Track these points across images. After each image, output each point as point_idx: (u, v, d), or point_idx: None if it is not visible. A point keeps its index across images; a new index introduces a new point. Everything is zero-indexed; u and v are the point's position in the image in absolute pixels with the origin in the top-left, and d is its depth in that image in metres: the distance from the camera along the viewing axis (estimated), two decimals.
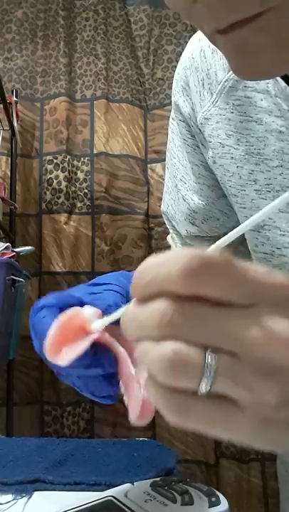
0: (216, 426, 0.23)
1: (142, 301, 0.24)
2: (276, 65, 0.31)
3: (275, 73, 0.34)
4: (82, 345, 0.34)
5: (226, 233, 0.62)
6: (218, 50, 0.49)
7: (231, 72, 0.47)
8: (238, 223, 0.52)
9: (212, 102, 0.50)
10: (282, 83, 0.43)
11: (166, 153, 0.61)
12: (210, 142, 0.51)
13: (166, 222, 0.65)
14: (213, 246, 0.25)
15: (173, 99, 0.58)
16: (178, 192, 0.59)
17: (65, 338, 0.35)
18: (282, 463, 0.61)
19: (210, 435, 0.24)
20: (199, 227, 0.58)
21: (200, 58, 0.52)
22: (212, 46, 0.50)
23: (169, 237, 0.70)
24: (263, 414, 0.23)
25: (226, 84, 0.48)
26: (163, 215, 0.65)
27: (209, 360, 0.22)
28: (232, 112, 0.48)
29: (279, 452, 0.26)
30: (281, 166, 0.44)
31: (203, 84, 0.51)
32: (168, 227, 0.66)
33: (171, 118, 0.59)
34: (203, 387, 0.22)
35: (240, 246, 0.57)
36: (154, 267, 0.23)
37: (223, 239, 0.26)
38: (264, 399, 0.23)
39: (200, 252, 0.23)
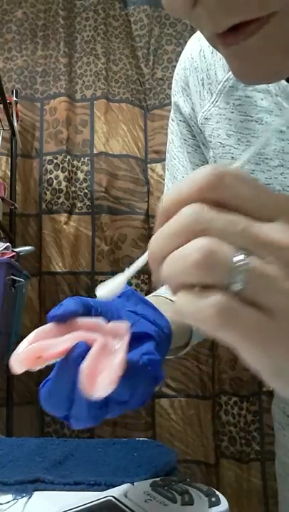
0: (251, 335, 0.22)
1: (171, 218, 0.24)
2: (278, 70, 0.31)
3: (276, 78, 0.34)
4: (116, 365, 0.34)
5: None
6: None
7: (231, 72, 0.47)
8: None
9: (212, 102, 0.50)
10: (284, 82, 0.43)
11: (166, 154, 0.61)
12: (210, 142, 0.51)
13: None
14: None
15: (173, 99, 0.57)
16: None
17: (97, 367, 0.34)
18: (280, 463, 0.61)
19: (244, 351, 0.23)
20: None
21: (199, 58, 0.52)
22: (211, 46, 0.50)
23: None
24: None
25: (225, 84, 0.48)
26: None
27: (240, 259, 0.22)
28: (232, 112, 0.48)
29: None
30: (282, 166, 0.44)
31: (202, 84, 0.51)
32: None
33: (170, 119, 0.59)
34: (236, 286, 0.22)
35: None
36: (177, 189, 0.23)
37: (245, 156, 0.27)
38: None
39: (219, 166, 0.23)
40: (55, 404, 0.38)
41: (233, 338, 0.23)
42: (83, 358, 0.35)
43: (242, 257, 0.22)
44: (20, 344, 0.37)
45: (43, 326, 0.38)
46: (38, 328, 0.38)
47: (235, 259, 0.22)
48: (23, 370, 0.36)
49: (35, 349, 0.37)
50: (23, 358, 0.37)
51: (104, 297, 0.33)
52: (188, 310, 0.23)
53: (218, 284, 0.22)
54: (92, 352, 0.35)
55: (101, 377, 0.34)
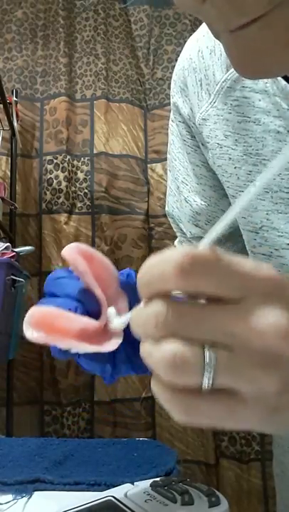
0: (223, 421, 0.24)
1: (147, 301, 0.25)
2: (281, 64, 0.31)
3: (278, 73, 0.33)
4: (106, 347, 0.37)
5: (230, 234, 0.61)
6: (216, 51, 0.49)
7: (229, 72, 0.47)
8: (236, 223, 0.52)
9: (210, 103, 0.50)
10: (282, 82, 0.43)
11: (168, 155, 0.61)
12: (208, 143, 0.51)
13: (172, 225, 0.65)
14: (202, 240, 0.26)
15: (172, 100, 0.57)
16: (180, 194, 0.59)
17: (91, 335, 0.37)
18: (278, 463, 0.61)
19: (219, 428, 0.25)
20: (203, 228, 0.58)
21: (198, 59, 0.51)
22: (210, 47, 0.50)
23: (176, 243, 0.69)
24: (266, 403, 0.24)
25: (223, 84, 0.48)
26: (169, 218, 0.64)
27: (208, 356, 0.23)
28: (230, 113, 0.48)
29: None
30: None
31: (201, 84, 0.51)
32: (174, 230, 0.65)
33: (170, 120, 0.59)
34: (206, 383, 0.23)
35: (227, 242, 0.57)
36: (150, 268, 0.24)
37: (209, 233, 0.26)
38: (265, 388, 0.23)
39: (190, 250, 0.23)
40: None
41: (205, 425, 0.24)
42: None
43: (208, 354, 0.23)
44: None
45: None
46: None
47: (203, 357, 0.23)
48: (35, 335, 0.35)
49: (51, 313, 0.37)
50: (37, 320, 0.36)
51: (119, 327, 0.36)
52: (160, 397, 0.24)
53: (190, 385, 0.23)
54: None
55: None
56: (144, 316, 0.24)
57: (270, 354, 0.23)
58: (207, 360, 0.23)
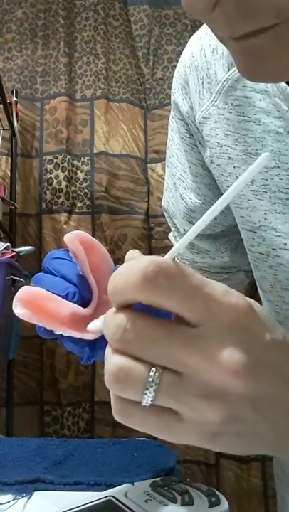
0: (158, 433, 0.25)
1: (116, 309, 0.26)
2: (284, 71, 0.31)
3: (283, 78, 0.34)
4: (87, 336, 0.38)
5: (222, 231, 0.62)
6: (218, 50, 0.49)
7: (231, 71, 0.47)
8: (235, 221, 0.52)
9: (211, 102, 0.50)
10: (283, 83, 0.43)
11: (167, 151, 0.61)
12: (208, 142, 0.51)
13: (167, 219, 0.65)
14: (180, 241, 0.26)
15: (172, 97, 0.57)
16: (176, 190, 0.59)
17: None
18: (277, 462, 0.61)
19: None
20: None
21: (200, 57, 0.52)
22: (212, 45, 0.50)
23: (170, 236, 0.70)
24: (206, 429, 0.25)
25: (225, 83, 0.48)
26: (164, 212, 0.65)
27: (152, 377, 0.24)
28: (230, 112, 0.48)
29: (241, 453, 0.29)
30: (278, 167, 0.44)
31: (202, 83, 0.51)
32: (169, 224, 0.66)
33: (170, 116, 0.59)
34: (145, 401, 0.24)
35: (224, 237, 0.59)
36: (118, 276, 0.25)
37: (189, 232, 0.26)
38: (207, 418, 0.24)
39: (157, 260, 0.24)
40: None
41: (143, 431, 0.26)
42: None
43: (153, 373, 0.24)
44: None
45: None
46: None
47: (148, 376, 0.24)
48: (21, 312, 0.37)
49: (42, 294, 0.38)
50: (27, 298, 0.37)
51: (95, 332, 0.37)
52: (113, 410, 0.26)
53: (130, 398, 0.25)
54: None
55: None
56: (109, 324, 0.25)
57: (217, 388, 0.24)
58: (150, 380, 0.24)
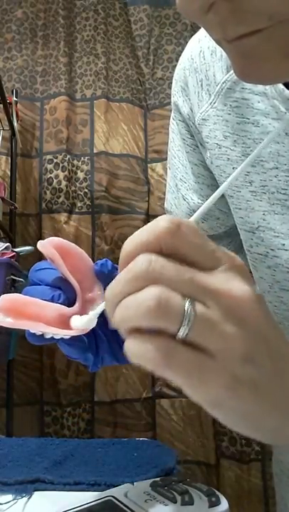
0: (192, 374, 0.25)
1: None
2: (279, 72, 0.32)
3: (277, 79, 0.34)
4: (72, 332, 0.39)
5: (225, 232, 0.62)
6: (217, 52, 0.50)
7: (229, 73, 0.48)
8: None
9: (210, 103, 0.50)
10: (280, 85, 0.43)
11: (168, 152, 0.62)
12: (207, 143, 0.51)
13: None
14: (193, 216, 0.31)
15: (172, 99, 0.58)
16: (178, 191, 0.59)
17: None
18: (276, 462, 0.61)
19: (186, 389, 0.26)
20: (199, 226, 0.58)
21: (199, 59, 0.52)
22: (211, 48, 0.51)
23: None
24: (231, 368, 0.25)
25: (223, 85, 0.49)
26: (167, 214, 0.65)
27: (188, 307, 0.25)
28: (229, 114, 0.48)
29: (235, 428, 0.30)
30: (276, 168, 0.45)
31: (201, 85, 0.52)
32: None
33: (171, 118, 0.59)
34: (182, 332, 0.25)
35: (226, 238, 0.60)
36: (138, 234, 0.27)
37: (198, 211, 0.31)
38: (232, 345, 0.25)
39: (176, 218, 0.27)
40: None
41: (176, 378, 0.25)
42: None
43: (188, 304, 0.25)
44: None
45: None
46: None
47: (184, 306, 0.25)
48: (4, 320, 0.37)
49: (21, 300, 0.39)
50: (7, 305, 0.38)
51: (79, 329, 0.38)
52: (136, 351, 0.25)
53: (169, 329, 0.25)
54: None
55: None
56: (137, 261, 0.26)
57: (237, 315, 0.26)
58: (186, 308, 0.25)
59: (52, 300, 0.40)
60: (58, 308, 0.39)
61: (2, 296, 0.39)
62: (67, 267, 0.41)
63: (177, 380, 0.25)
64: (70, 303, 0.41)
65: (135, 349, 0.25)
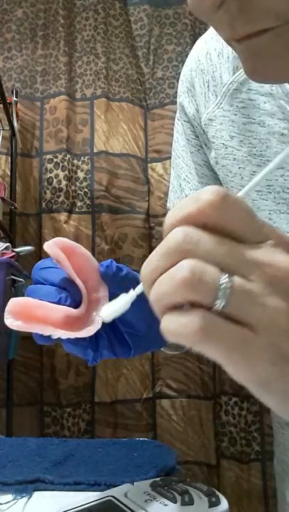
0: (233, 348, 0.24)
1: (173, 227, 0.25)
2: (287, 70, 0.32)
3: (284, 78, 0.34)
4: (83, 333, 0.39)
5: None
6: (224, 53, 0.50)
7: (236, 74, 0.49)
8: None
9: (216, 104, 0.51)
10: (287, 86, 0.44)
11: (172, 152, 0.62)
12: (213, 143, 0.52)
13: None
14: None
15: (178, 100, 0.59)
16: (182, 191, 0.60)
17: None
18: (278, 461, 0.61)
19: (229, 366, 0.25)
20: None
21: (206, 60, 0.53)
22: (218, 49, 0.52)
23: None
24: (277, 344, 0.24)
25: (230, 86, 0.49)
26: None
27: (224, 278, 0.23)
28: (235, 114, 0.49)
29: (280, 410, 0.28)
30: (282, 168, 0.45)
31: (208, 86, 0.52)
32: None
33: (176, 119, 0.60)
34: (219, 304, 0.23)
35: None
36: (179, 207, 0.25)
37: (248, 185, 0.30)
38: (276, 319, 0.24)
39: (223, 188, 0.25)
40: None
41: (217, 353, 0.24)
42: None
43: (225, 276, 0.24)
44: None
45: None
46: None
47: (220, 278, 0.23)
48: (14, 323, 0.38)
49: (31, 303, 0.39)
50: (17, 309, 0.39)
51: (109, 318, 0.36)
52: (172, 327, 0.24)
53: (203, 302, 0.24)
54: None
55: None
56: (173, 235, 0.25)
57: (282, 288, 0.24)
58: (223, 280, 0.23)
59: (59, 302, 0.40)
60: (65, 311, 0.39)
61: (12, 299, 0.39)
62: (72, 267, 0.41)
63: (218, 357, 0.24)
64: (76, 304, 0.41)
65: (172, 326, 0.24)
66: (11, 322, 0.38)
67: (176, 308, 0.24)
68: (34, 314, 0.39)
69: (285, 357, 0.24)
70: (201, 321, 0.23)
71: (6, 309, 0.38)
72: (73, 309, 0.40)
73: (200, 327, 0.23)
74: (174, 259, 0.24)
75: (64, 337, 0.39)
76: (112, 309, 0.36)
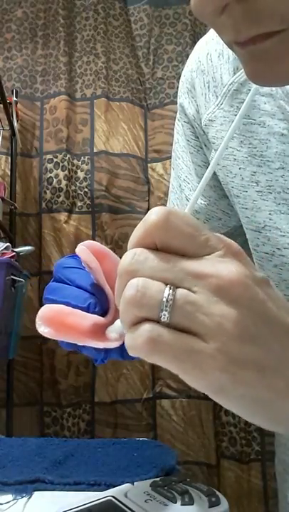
0: (181, 357, 0.25)
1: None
2: None
3: (287, 82, 0.34)
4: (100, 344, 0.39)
5: (226, 233, 0.63)
6: (224, 54, 0.50)
7: (236, 75, 0.49)
8: (239, 223, 0.52)
9: (217, 105, 0.51)
10: (287, 86, 0.44)
11: (172, 153, 0.62)
12: (213, 143, 0.52)
13: None
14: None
15: (178, 100, 0.59)
16: (182, 192, 0.60)
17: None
18: (279, 461, 0.61)
19: (182, 375, 0.26)
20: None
21: (206, 61, 0.53)
22: (218, 50, 0.52)
23: None
24: (227, 350, 0.25)
25: (230, 87, 0.50)
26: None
27: (167, 292, 0.25)
28: (236, 115, 0.49)
29: (244, 417, 0.29)
30: (283, 168, 0.45)
31: (208, 86, 0.52)
32: None
33: (176, 119, 0.60)
34: (164, 316, 0.25)
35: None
36: (134, 231, 0.28)
37: (191, 200, 0.33)
38: (223, 326, 0.25)
39: (166, 208, 0.27)
40: None
41: (168, 363, 0.25)
42: None
43: (168, 290, 0.25)
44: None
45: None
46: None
47: (163, 292, 0.25)
48: (46, 330, 0.37)
49: (62, 310, 0.39)
50: (49, 316, 0.38)
51: (115, 337, 0.37)
52: (128, 342, 0.26)
53: (149, 316, 0.25)
54: None
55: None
56: (121, 264, 0.27)
57: (229, 296, 0.25)
58: (166, 294, 0.25)
59: (88, 308, 0.39)
60: (94, 319, 0.39)
61: (46, 306, 0.39)
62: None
63: (170, 366, 0.25)
64: (103, 311, 0.40)
65: (127, 341, 0.26)
66: (43, 328, 0.37)
67: (136, 325, 0.26)
68: (65, 322, 0.38)
69: (236, 363, 0.25)
70: (148, 333, 0.25)
71: (38, 315, 0.38)
72: (102, 318, 0.39)
73: (147, 338, 0.25)
74: (125, 280, 0.26)
75: (94, 346, 0.38)
76: (113, 331, 0.37)
